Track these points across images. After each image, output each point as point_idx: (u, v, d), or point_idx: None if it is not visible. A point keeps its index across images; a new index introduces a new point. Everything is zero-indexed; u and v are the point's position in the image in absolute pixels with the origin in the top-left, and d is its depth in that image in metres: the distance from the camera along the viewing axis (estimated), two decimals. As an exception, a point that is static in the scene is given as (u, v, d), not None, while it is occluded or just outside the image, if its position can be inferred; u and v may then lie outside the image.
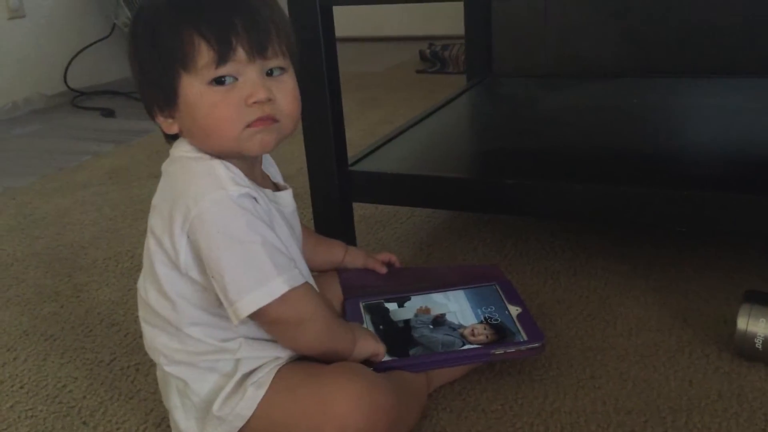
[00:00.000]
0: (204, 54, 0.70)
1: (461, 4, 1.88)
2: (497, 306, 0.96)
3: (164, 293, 0.76)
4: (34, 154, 2.15)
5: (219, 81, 0.71)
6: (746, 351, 0.90)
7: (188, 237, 0.72)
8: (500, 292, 0.98)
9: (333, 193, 1.19)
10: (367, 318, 0.94)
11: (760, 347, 0.88)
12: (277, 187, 0.84)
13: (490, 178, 1.17)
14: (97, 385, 0.98)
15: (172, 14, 0.71)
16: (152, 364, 1.00)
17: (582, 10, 2.12)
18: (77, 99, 2.75)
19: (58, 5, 2.77)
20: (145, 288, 0.80)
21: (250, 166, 0.78)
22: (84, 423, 0.90)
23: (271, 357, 0.78)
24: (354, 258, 1.01)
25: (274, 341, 0.78)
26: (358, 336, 0.82)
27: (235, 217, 0.70)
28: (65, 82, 2.77)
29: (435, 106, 1.58)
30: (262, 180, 0.81)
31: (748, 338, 0.89)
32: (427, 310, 0.96)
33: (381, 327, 0.93)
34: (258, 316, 0.72)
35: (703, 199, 1.01)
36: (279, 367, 0.77)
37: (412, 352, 0.88)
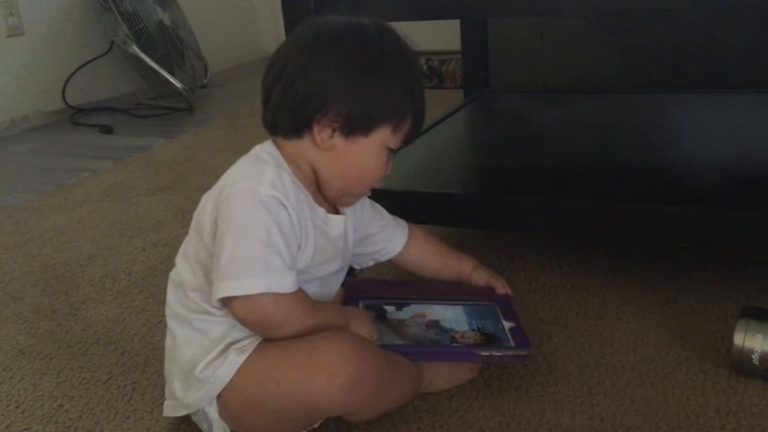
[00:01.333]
0: (404, 132, 0.86)
1: (457, 20, 1.89)
2: (492, 320, 0.96)
3: (185, 255, 0.85)
4: (31, 172, 2.15)
5: (390, 152, 0.86)
6: (743, 367, 0.90)
7: (214, 209, 0.79)
8: (498, 311, 0.99)
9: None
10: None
11: (757, 363, 0.88)
12: (336, 211, 0.91)
13: (487, 195, 1.18)
14: (93, 404, 0.97)
15: (413, 84, 0.86)
16: (149, 383, 1.00)
17: (577, 26, 2.14)
18: (75, 116, 2.76)
19: (57, 23, 2.79)
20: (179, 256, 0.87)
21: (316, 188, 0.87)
22: (80, 443, 0.90)
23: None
24: (480, 275, 1.05)
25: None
26: (350, 316, 0.86)
27: (252, 210, 0.76)
28: (63, 98, 2.78)
29: (432, 121, 1.59)
30: (323, 201, 0.88)
31: (745, 354, 0.89)
32: (423, 315, 0.97)
33: (376, 321, 0.95)
34: (228, 306, 0.77)
35: (699, 215, 1.01)
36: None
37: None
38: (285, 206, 0.77)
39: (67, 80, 2.78)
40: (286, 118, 0.83)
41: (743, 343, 0.89)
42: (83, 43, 2.86)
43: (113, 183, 1.95)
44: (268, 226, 0.76)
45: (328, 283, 0.92)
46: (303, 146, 0.84)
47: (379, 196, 1.20)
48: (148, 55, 2.73)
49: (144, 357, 1.07)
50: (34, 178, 2.08)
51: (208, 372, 0.79)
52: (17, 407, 0.98)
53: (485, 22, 1.88)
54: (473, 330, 0.93)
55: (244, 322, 0.78)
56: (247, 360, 0.78)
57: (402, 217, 1.25)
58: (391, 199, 1.20)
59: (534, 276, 1.22)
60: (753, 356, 0.88)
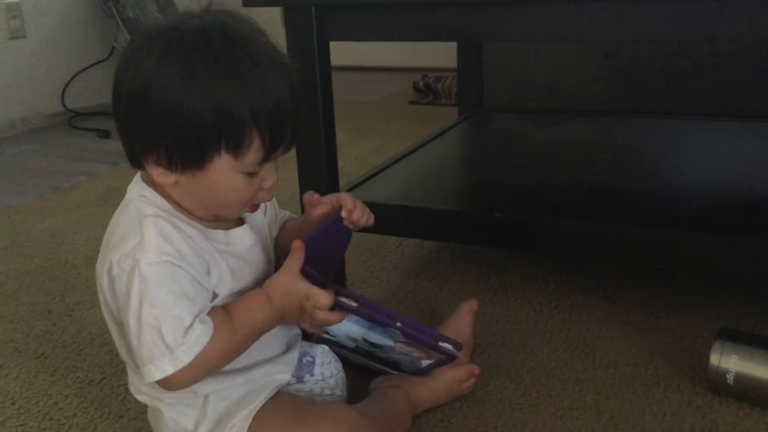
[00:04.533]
0: (254, 152, 0.72)
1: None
2: (378, 329, 0.91)
3: (112, 335, 0.80)
4: (29, 173, 2.17)
5: (251, 174, 0.74)
6: (719, 386, 0.93)
7: (110, 286, 0.75)
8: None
9: (324, 221, 1.21)
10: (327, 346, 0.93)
11: (731, 383, 0.92)
12: (241, 221, 0.83)
13: (477, 211, 1.21)
14: (87, 403, 1.00)
15: (236, 91, 0.69)
16: (142, 384, 1.02)
17: (571, 48, 2.18)
18: (74, 119, 2.78)
19: (59, 27, 2.82)
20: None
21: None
22: (73, 440, 0.92)
23: (236, 386, 0.79)
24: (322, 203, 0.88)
25: (234, 370, 0.79)
26: (272, 295, 0.77)
27: (143, 287, 0.71)
28: (63, 102, 2.81)
29: (426, 138, 1.62)
30: (218, 222, 0.80)
31: (720, 374, 0.92)
32: (352, 338, 0.95)
33: (355, 355, 0.97)
34: (163, 385, 0.74)
35: (682, 238, 1.05)
36: (256, 410, 0.79)
37: (405, 369, 0.94)
38: (178, 266, 0.72)
39: (67, 84, 2.81)
40: (126, 154, 0.76)
41: (719, 363, 0.92)
42: (84, 47, 2.89)
43: (110, 187, 1.97)
44: (161, 300, 0.71)
45: None
46: (152, 177, 0.75)
47: (372, 209, 1.23)
48: (148, 62, 2.75)
49: (138, 359, 1.09)
50: (31, 179, 2.10)
51: None
52: (13, 404, 1.00)
53: (481, 42, 1.92)
54: (399, 342, 0.91)
55: (190, 387, 0.76)
56: None
57: (395, 231, 1.29)
58: (382, 213, 1.23)
59: (521, 292, 1.26)
60: (728, 376, 0.92)
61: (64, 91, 2.81)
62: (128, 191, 0.79)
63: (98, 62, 2.90)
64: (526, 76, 2.28)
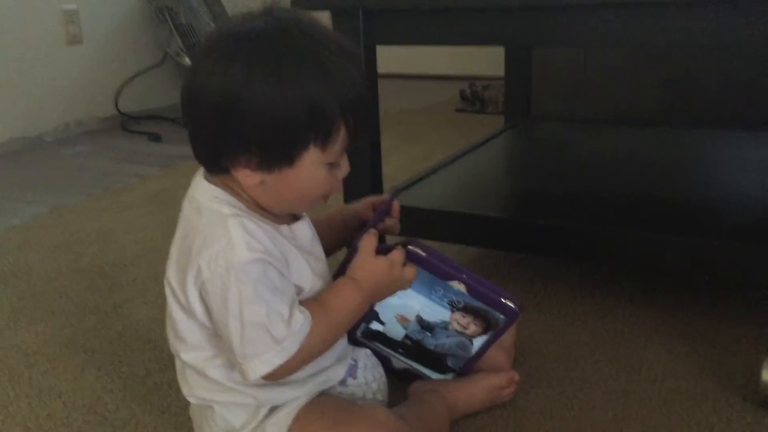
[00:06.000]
0: (340, 142, 0.74)
1: (502, 47, 1.91)
2: (441, 286, 0.89)
3: (182, 339, 0.80)
4: (82, 174, 2.23)
5: (332, 165, 0.76)
6: (770, 403, 0.90)
7: (200, 292, 0.75)
8: (426, 272, 0.89)
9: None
10: (370, 350, 0.93)
11: (784, 399, 0.89)
12: (295, 217, 0.83)
13: (522, 219, 1.20)
14: (130, 398, 1.01)
15: (326, 85, 0.71)
16: (184, 381, 1.03)
17: (621, 57, 2.15)
18: (127, 122, 2.85)
19: (115, 33, 2.89)
20: (168, 329, 0.83)
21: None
22: (116, 434, 0.94)
23: (290, 398, 0.80)
24: (350, 209, 0.93)
25: (289, 383, 0.80)
26: (362, 281, 0.79)
27: (241, 287, 0.71)
28: (116, 106, 2.88)
29: (472, 145, 1.62)
30: (280, 218, 0.80)
31: (772, 390, 0.89)
32: (404, 318, 0.95)
33: (400, 351, 0.96)
34: (267, 378, 0.75)
35: (734, 250, 1.02)
36: (298, 408, 0.80)
37: (450, 364, 0.94)
38: (269, 263, 0.73)
39: (121, 88, 2.88)
40: (206, 159, 0.77)
41: (771, 379, 0.89)
42: (138, 53, 2.96)
43: (160, 189, 2.01)
44: (260, 295, 0.72)
45: None
46: (235, 180, 0.75)
47: (414, 214, 1.24)
48: (200, 68, 2.81)
49: (181, 357, 1.11)
50: (84, 180, 2.15)
51: None
52: (59, 396, 1.03)
53: (529, 50, 1.91)
54: (452, 311, 0.90)
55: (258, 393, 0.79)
56: None
57: (438, 236, 1.29)
58: (427, 219, 1.23)
59: (565, 301, 1.24)
60: (780, 393, 0.89)
61: (118, 95, 2.88)
62: (195, 194, 0.79)
63: (151, 67, 2.96)
64: (575, 85, 2.26)
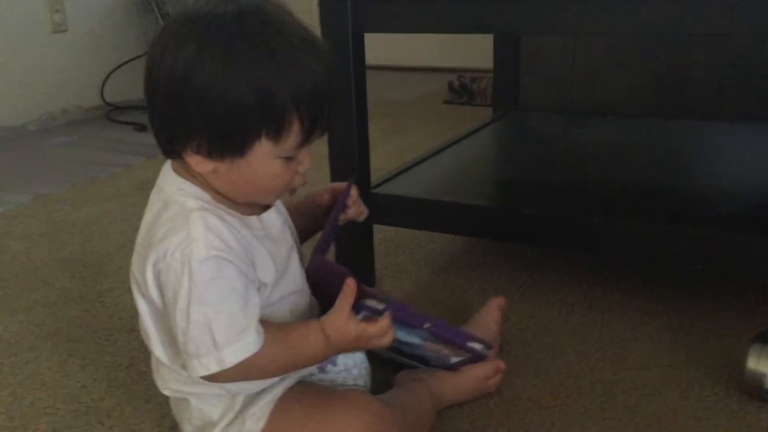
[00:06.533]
0: (294, 136, 0.72)
1: (491, 39, 1.91)
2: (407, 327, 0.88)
3: (146, 333, 0.79)
4: (66, 164, 2.21)
5: (289, 159, 0.74)
6: (755, 391, 0.91)
7: (156, 281, 0.74)
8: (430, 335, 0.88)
9: (354, 214, 1.21)
10: None
11: (769, 387, 0.89)
12: (267, 207, 0.81)
13: (509, 208, 1.20)
14: (115, 387, 1.00)
15: (276, 74, 0.69)
16: (169, 370, 1.02)
17: (609, 49, 2.15)
18: (112, 112, 2.82)
19: (100, 21, 2.86)
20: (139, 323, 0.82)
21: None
22: (101, 423, 0.93)
23: (264, 385, 0.79)
24: (321, 193, 0.92)
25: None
26: (328, 333, 0.75)
27: (191, 284, 0.70)
28: (102, 95, 2.85)
29: (459, 135, 1.61)
30: (250, 208, 0.79)
31: (757, 378, 0.89)
32: None
33: None
34: (207, 379, 0.74)
35: (719, 239, 1.02)
36: (277, 397, 0.79)
37: (434, 364, 0.93)
38: (227, 260, 0.71)
39: (107, 78, 2.85)
40: (160, 141, 0.75)
41: (756, 367, 0.90)
42: (124, 42, 2.93)
43: (145, 179, 1.99)
44: (211, 296, 0.70)
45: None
46: (191, 167, 0.74)
47: (401, 203, 1.23)
48: (186, 58, 2.79)
49: (166, 346, 1.10)
50: (68, 170, 2.13)
51: None
52: (42, 385, 1.02)
53: (518, 41, 1.90)
54: (427, 342, 0.89)
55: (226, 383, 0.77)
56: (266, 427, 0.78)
57: (426, 225, 1.28)
58: (414, 208, 1.23)
59: (552, 291, 1.24)
60: (765, 380, 0.89)
61: (103, 84, 2.85)
62: (163, 186, 0.78)
63: (137, 57, 2.93)
64: (563, 77, 2.26)
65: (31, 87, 2.64)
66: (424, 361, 0.95)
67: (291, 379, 0.81)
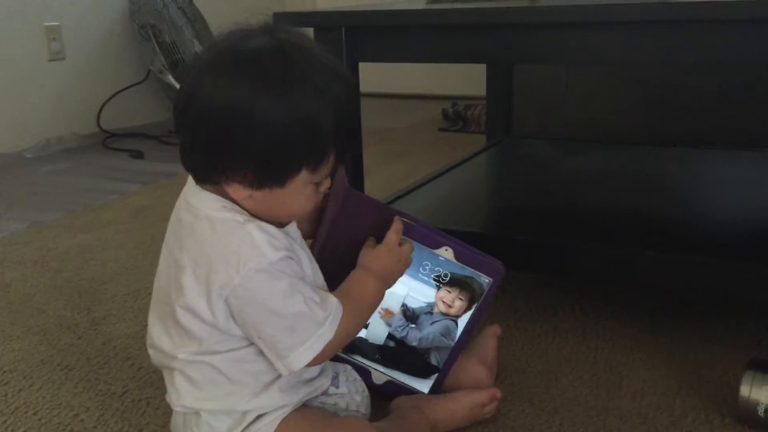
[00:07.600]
0: (328, 167, 0.77)
1: (484, 67, 1.93)
2: (429, 259, 0.93)
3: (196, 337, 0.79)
4: (62, 191, 2.21)
5: (318, 183, 0.78)
6: (749, 418, 0.91)
7: (225, 301, 0.75)
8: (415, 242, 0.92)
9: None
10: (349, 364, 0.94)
11: (762, 415, 0.89)
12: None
13: (503, 235, 1.20)
14: (108, 415, 1.00)
15: (325, 109, 0.73)
16: (162, 400, 1.02)
17: (602, 77, 2.17)
18: (108, 140, 2.83)
19: (98, 50, 2.88)
20: (159, 337, 0.82)
21: None
22: (93, 452, 0.92)
23: (277, 405, 0.80)
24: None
25: (280, 390, 0.80)
26: (372, 267, 0.84)
27: (276, 284, 0.74)
28: (98, 123, 2.86)
29: (453, 162, 1.62)
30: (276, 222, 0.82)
31: (751, 406, 0.90)
32: (389, 312, 0.96)
33: (378, 358, 0.97)
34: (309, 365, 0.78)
35: (712, 266, 1.03)
36: (283, 416, 0.80)
37: (434, 361, 0.96)
38: (291, 258, 0.76)
39: (103, 105, 2.87)
40: (199, 172, 0.78)
41: (749, 394, 0.90)
42: (121, 70, 2.95)
43: (140, 206, 2.00)
44: (295, 288, 0.75)
45: None
46: (228, 193, 0.76)
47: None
48: (183, 85, 2.81)
49: (159, 374, 1.09)
50: (64, 197, 2.13)
51: None
52: (35, 414, 1.01)
53: (511, 69, 1.92)
54: (438, 288, 0.92)
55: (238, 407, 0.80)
56: None
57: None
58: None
59: (546, 317, 1.24)
60: (759, 408, 0.89)
61: (99, 112, 2.87)
62: (198, 206, 0.78)
63: (134, 84, 2.95)
64: (556, 105, 2.28)
65: (28, 114, 2.66)
66: (423, 364, 0.96)
67: (299, 399, 0.82)
